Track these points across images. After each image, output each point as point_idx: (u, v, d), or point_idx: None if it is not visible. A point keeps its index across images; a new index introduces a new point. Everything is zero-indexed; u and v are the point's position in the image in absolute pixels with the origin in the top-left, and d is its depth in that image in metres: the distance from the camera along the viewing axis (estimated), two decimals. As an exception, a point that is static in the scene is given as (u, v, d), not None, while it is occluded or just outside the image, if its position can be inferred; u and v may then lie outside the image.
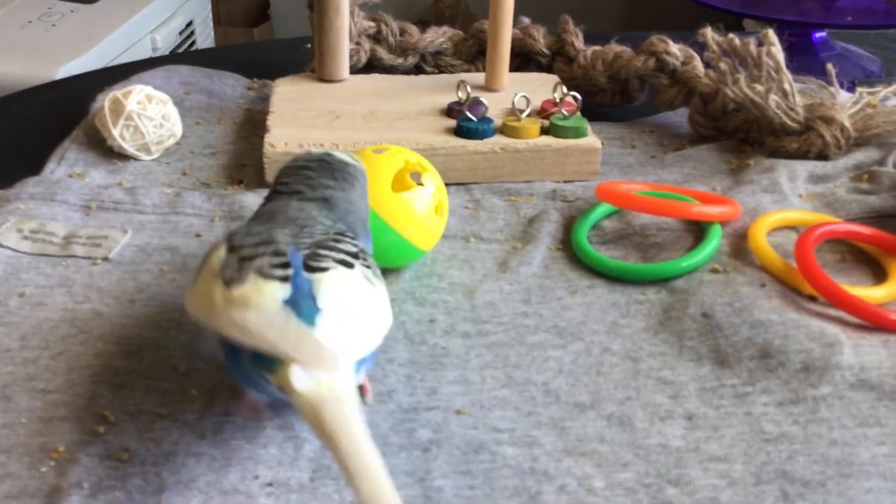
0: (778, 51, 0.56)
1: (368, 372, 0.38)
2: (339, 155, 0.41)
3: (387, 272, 0.45)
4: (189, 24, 1.42)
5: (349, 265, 0.34)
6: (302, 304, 0.32)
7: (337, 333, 0.32)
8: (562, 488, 0.34)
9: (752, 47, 0.57)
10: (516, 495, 0.34)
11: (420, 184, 0.45)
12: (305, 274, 0.33)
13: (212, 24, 1.55)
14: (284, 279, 0.32)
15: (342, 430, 0.30)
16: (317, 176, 0.39)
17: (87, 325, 0.41)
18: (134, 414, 0.37)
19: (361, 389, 0.38)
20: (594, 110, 0.66)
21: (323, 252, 0.34)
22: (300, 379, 0.30)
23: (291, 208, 0.37)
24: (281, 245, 0.34)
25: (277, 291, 0.32)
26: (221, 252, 0.35)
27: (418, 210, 0.45)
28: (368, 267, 0.36)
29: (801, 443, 0.37)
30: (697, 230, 0.50)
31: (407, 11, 0.72)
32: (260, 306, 0.32)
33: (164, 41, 1.32)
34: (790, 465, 0.35)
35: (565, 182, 0.56)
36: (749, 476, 0.35)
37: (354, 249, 0.35)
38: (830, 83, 0.61)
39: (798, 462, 0.36)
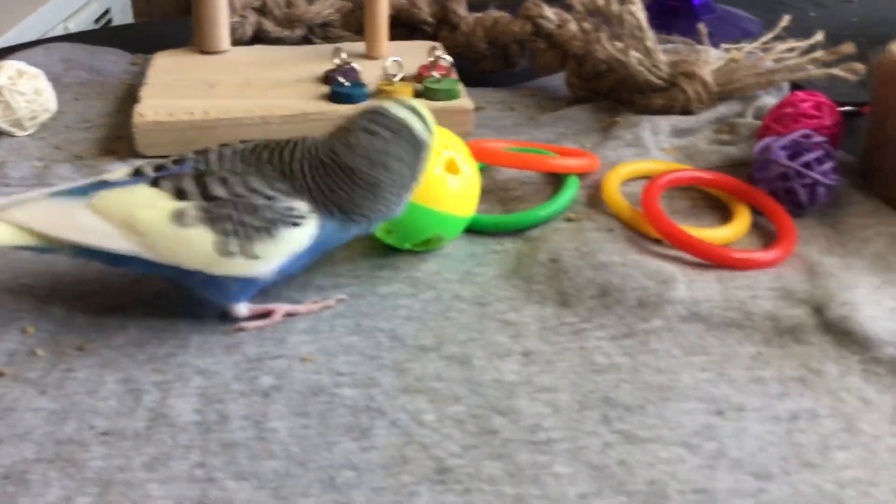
0: (639, 9, 0.58)
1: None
2: (416, 127, 0.39)
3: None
4: (106, 11, 1.41)
5: (180, 196, 0.38)
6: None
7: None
8: (393, 423, 0.36)
9: (614, 6, 0.58)
10: (349, 432, 0.35)
11: None
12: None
13: (132, 12, 1.54)
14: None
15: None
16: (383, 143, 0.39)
17: (-62, 292, 0.42)
18: (-23, 373, 0.37)
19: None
20: (478, 77, 0.67)
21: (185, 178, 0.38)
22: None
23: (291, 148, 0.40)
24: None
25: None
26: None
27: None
28: (205, 212, 0.37)
29: (629, 372, 0.38)
30: (558, 183, 0.51)
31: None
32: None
33: (78, 30, 1.30)
34: (614, 393, 0.37)
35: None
36: (574, 403, 0.37)
37: (222, 194, 0.38)
38: (701, 43, 0.63)
39: (623, 389, 0.37)
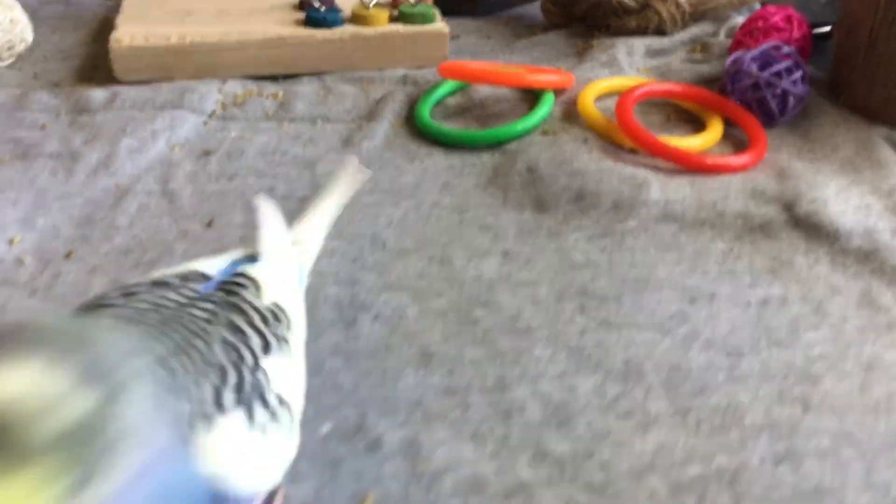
0: (612, -70, 0.58)
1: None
2: None
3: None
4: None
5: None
6: None
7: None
8: (377, 316, 0.36)
9: (588, -72, 0.59)
10: (334, 324, 0.36)
11: None
12: None
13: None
14: None
15: None
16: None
17: (-78, 207, 0.42)
18: (-35, 279, 0.38)
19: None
20: (454, 7, 0.67)
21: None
22: None
23: None
24: None
25: None
26: None
27: None
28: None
29: (605, 267, 0.39)
30: (533, 100, 0.52)
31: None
32: None
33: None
34: (592, 286, 0.38)
35: (417, 68, 0.58)
36: (552, 296, 0.38)
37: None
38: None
39: (599, 282, 0.39)
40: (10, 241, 0.40)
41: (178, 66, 0.54)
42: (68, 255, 0.39)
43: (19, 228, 0.41)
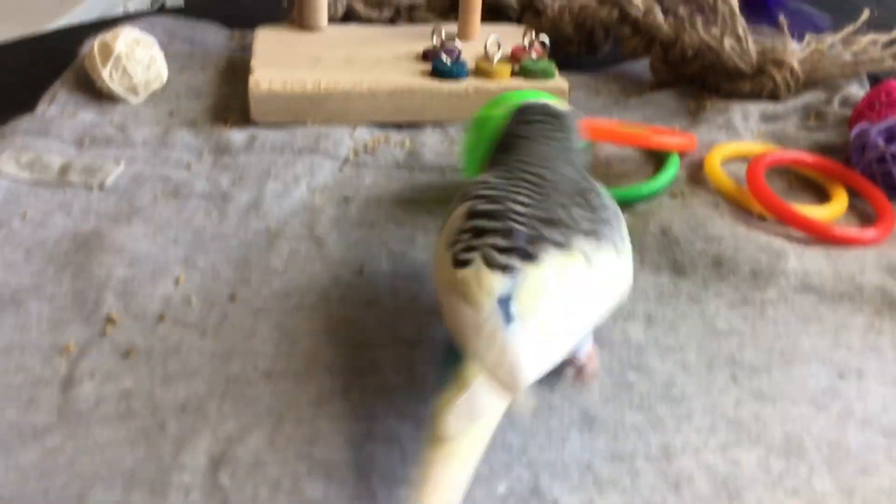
0: (732, -3, 0.60)
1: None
2: (557, 107, 0.40)
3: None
4: (161, -9, 1.43)
5: (567, 247, 0.32)
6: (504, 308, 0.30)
7: (525, 354, 0.30)
8: (534, 375, 0.38)
9: (709, -6, 0.60)
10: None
11: None
12: (519, 264, 0.31)
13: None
14: (505, 269, 0.31)
15: (445, 478, 0.28)
16: (553, 129, 0.38)
17: (89, 242, 0.44)
18: (138, 316, 0.39)
19: (581, 367, 0.36)
20: (562, 61, 0.69)
21: (547, 232, 0.32)
22: (449, 426, 0.29)
23: (535, 160, 0.36)
24: (511, 222, 0.32)
25: (496, 285, 0.31)
26: (459, 216, 0.34)
27: None
28: (597, 238, 0.33)
29: (750, 336, 0.40)
30: (657, 162, 0.53)
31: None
32: (476, 302, 0.30)
33: (136, 8, 1.33)
34: (739, 354, 0.39)
35: (535, 122, 0.59)
36: (702, 363, 0.39)
37: (589, 223, 0.33)
38: (783, 34, 0.65)
39: (746, 352, 0.39)
40: (177, 281, 0.42)
41: (311, 111, 0.56)
42: (232, 298, 0.41)
43: (183, 268, 0.42)
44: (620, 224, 0.36)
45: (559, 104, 0.41)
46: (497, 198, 0.34)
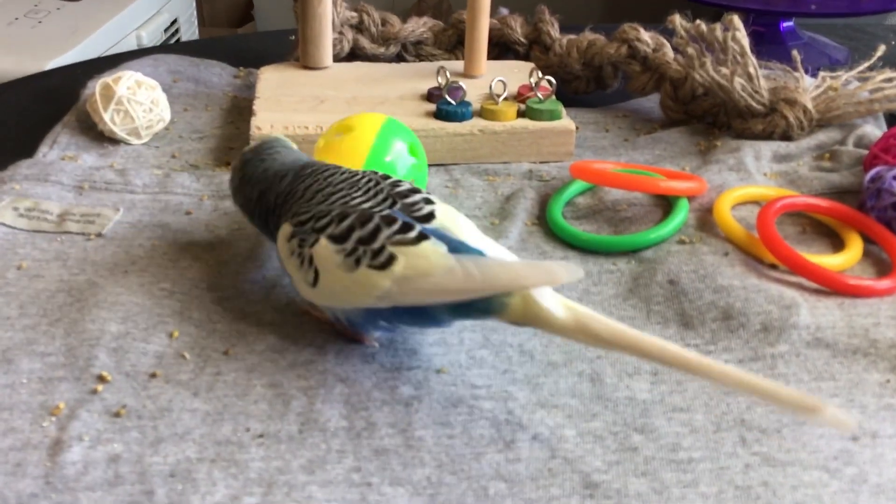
0: (743, 35, 0.59)
1: None
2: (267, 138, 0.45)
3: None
4: (174, 21, 1.44)
5: (431, 200, 0.38)
6: (460, 247, 0.36)
7: (505, 252, 0.38)
8: (535, 437, 0.36)
9: (719, 32, 0.59)
10: (492, 443, 0.36)
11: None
12: (428, 225, 0.37)
13: (196, 22, 1.57)
14: (423, 237, 0.36)
15: (602, 322, 0.35)
16: (281, 156, 0.43)
17: (83, 294, 0.43)
18: (130, 374, 0.38)
19: None
20: (570, 97, 0.68)
21: (408, 201, 0.38)
22: (551, 298, 0.36)
23: (314, 184, 0.40)
24: (376, 213, 0.37)
25: (437, 248, 0.36)
26: (327, 246, 0.37)
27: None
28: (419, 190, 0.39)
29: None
30: (666, 205, 0.52)
31: (390, 9, 0.75)
32: (439, 266, 0.35)
33: (150, 39, 1.33)
34: (748, 415, 0.38)
35: (541, 163, 0.58)
36: (710, 424, 0.37)
37: (414, 187, 0.39)
38: (796, 69, 0.64)
39: (756, 412, 0.38)
40: (170, 335, 0.41)
41: (318, 155, 0.55)
42: (226, 353, 0.40)
43: (177, 322, 0.42)
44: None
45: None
46: (336, 215, 0.38)
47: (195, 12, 1.53)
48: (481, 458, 0.35)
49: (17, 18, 1.22)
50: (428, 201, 0.38)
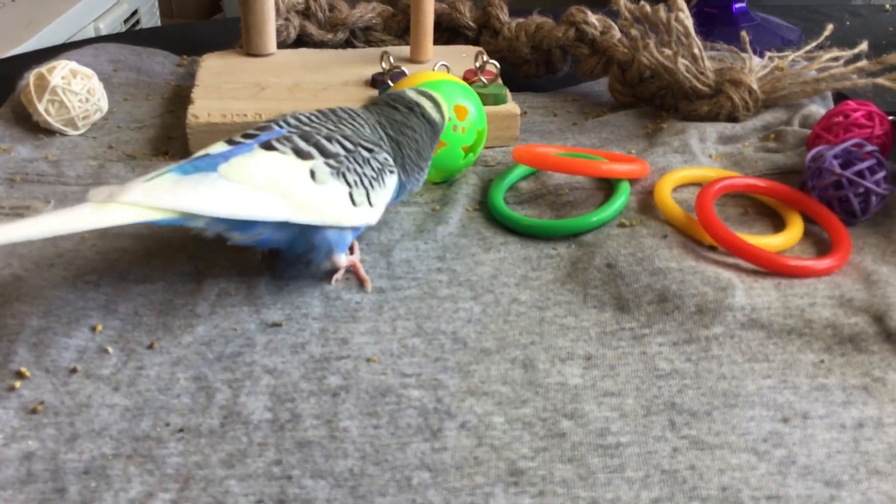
0: (686, 17, 0.58)
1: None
2: (428, 109, 0.46)
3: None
4: (134, 12, 1.42)
5: (301, 156, 0.40)
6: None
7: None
8: (463, 425, 0.36)
9: (662, 13, 0.59)
10: (419, 433, 0.35)
11: None
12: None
13: (158, 13, 1.55)
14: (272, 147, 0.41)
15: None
16: (402, 116, 0.45)
17: (6, 289, 0.42)
18: (50, 370, 0.38)
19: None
20: (520, 82, 0.68)
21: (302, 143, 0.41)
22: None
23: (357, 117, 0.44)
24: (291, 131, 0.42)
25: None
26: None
27: None
28: (333, 168, 0.41)
29: (692, 378, 0.39)
30: (608, 189, 0.52)
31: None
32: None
33: (109, 30, 1.31)
34: (679, 398, 0.38)
35: (486, 147, 0.57)
36: (640, 408, 0.37)
37: (338, 150, 0.41)
38: (744, 50, 0.63)
39: (687, 395, 0.38)
40: (93, 329, 0.40)
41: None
42: (151, 346, 0.39)
43: (102, 316, 0.41)
44: (376, 179, 0.43)
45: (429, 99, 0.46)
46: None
47: (157, 3, 1.51)
48: (406, 447, 0.35)
49: (-31, 10, 1.20)
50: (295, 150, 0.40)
